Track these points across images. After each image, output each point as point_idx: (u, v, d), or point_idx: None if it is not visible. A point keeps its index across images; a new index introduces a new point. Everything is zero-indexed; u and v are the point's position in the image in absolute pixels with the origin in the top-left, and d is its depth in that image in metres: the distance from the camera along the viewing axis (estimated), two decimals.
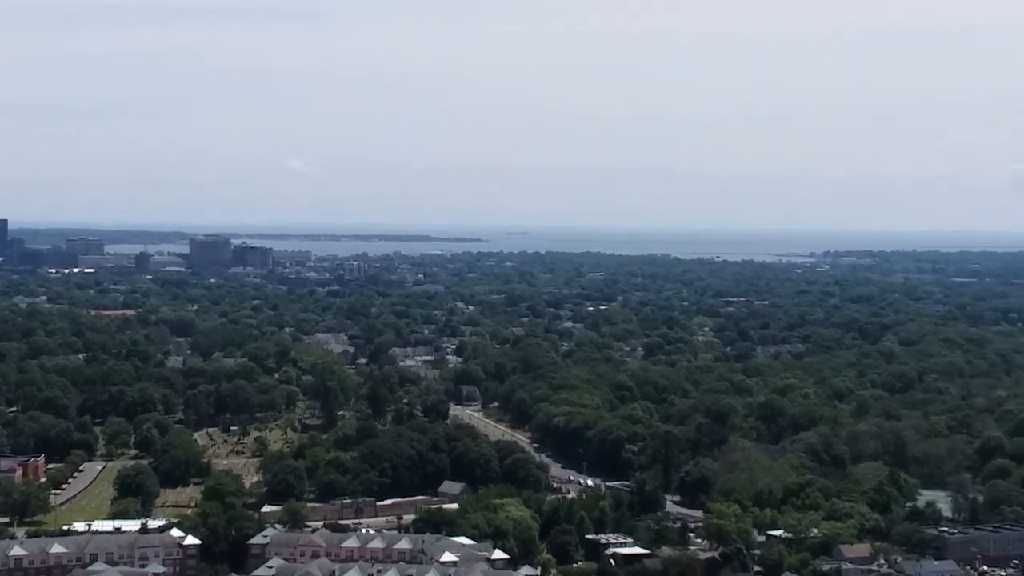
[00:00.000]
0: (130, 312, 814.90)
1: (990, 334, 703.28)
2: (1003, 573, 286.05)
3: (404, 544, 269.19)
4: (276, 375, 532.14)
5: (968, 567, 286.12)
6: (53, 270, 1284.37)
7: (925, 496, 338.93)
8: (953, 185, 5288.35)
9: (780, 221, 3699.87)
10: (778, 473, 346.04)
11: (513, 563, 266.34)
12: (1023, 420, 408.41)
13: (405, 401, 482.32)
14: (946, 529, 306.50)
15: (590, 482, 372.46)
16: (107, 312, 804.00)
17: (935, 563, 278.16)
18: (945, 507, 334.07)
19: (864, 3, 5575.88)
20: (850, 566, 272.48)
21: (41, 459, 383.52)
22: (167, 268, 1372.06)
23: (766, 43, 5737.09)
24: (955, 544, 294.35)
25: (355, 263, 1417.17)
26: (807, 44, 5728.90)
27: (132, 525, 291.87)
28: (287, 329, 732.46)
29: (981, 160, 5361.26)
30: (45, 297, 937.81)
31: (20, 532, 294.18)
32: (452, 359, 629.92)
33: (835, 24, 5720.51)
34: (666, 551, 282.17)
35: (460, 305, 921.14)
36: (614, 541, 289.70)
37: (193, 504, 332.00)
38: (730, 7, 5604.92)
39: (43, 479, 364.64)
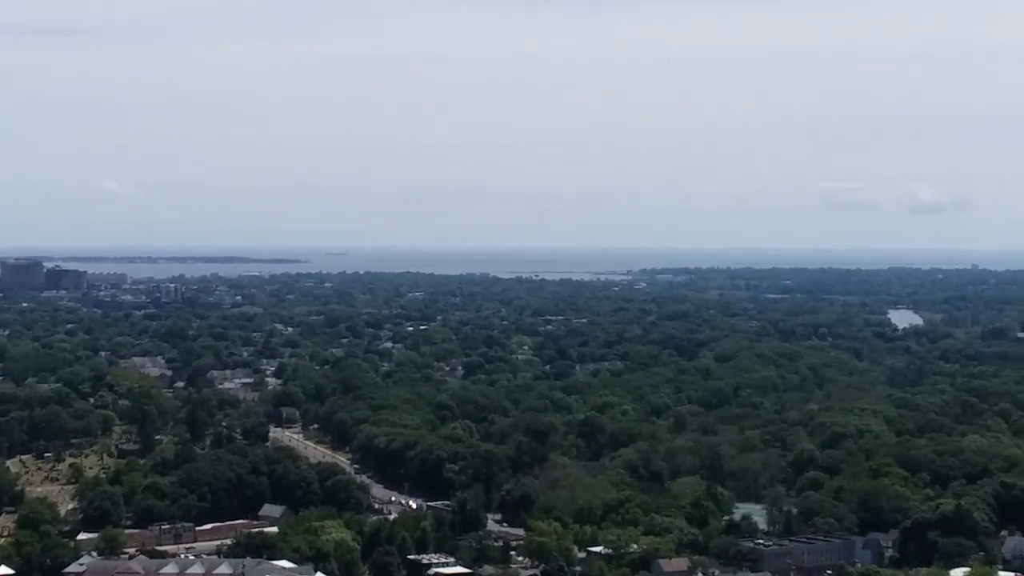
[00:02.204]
0: None
1: (802, 349, 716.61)
2: None
3: (224, 569, 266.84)
4: (91, 400, 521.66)
5: None
6: None
7: (741, 509, 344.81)
8: (765, 203, 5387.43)
9: (597, 239, 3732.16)
10: (598, 490, 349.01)
11: None
12: (835, 433, 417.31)
13: (224, 424, 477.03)
14: (761, 541, 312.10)
15: (411, 502, 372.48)
16: None
17: (751, 575, 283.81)
18: (760, 520, 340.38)
19: (674, 30, 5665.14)
20: None
21: None
22: None
23: (575, 62, 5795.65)
24: (770, 556, 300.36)
25: (172, 285, 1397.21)
26: (616, 66, 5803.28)
27: None
28: (102, 353, 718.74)
29: (791, 179, 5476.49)
30: None
31: None
32: (271, 381, 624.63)
33: (648, 47, 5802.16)
34: (488, 570, 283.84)
35: (279, 327, 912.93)
36: (436, 561, 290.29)
37: (6, 533, 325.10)
38: (529, 28, 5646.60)
39: None
